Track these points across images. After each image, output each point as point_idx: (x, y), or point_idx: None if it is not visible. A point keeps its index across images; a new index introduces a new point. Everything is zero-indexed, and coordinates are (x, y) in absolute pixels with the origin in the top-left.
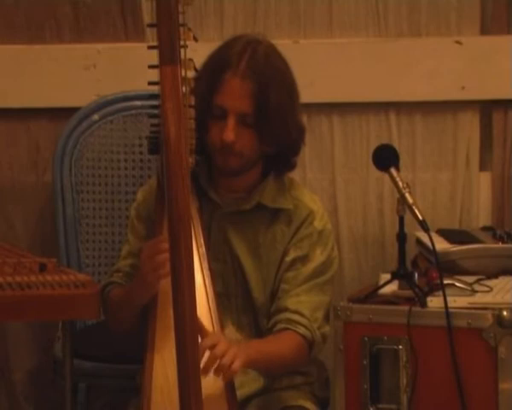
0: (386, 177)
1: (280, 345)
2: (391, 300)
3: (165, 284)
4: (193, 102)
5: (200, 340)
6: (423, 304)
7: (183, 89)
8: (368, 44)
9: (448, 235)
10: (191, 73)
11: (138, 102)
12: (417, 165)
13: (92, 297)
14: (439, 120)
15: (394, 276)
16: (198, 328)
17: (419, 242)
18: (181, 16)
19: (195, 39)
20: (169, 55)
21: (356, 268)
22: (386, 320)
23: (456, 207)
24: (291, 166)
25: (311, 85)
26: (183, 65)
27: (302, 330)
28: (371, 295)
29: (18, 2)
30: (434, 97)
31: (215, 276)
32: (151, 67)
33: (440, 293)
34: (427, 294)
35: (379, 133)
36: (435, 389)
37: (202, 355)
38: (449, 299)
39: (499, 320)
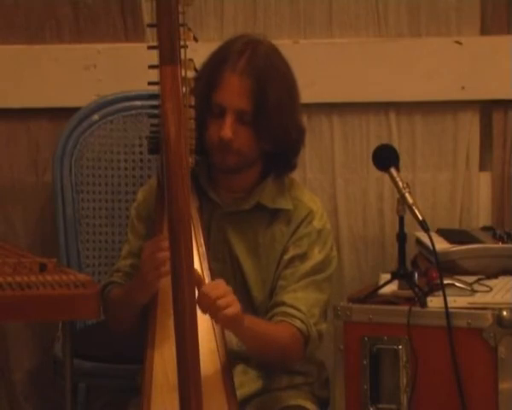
0: (386, 177)
1: (276, 330)
2: (391, 300)
3: (165, 284)
4: (193, 102)
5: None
6: (423, 304)
7: (183, 89)
8: (368, 44)
9: (448, 235)
10: (191, 73)
11: (138, 102)
12: (417, 165)
13: (92, 297)
14: (439, 120)
15: (394, 276)
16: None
17: (419, 242)
18: (181, 16)
19: (195, 39)
20: (169, 55)
21: (356, 268)
22: (386, 320)
23: (456, 207)
24: (291, 166)
25: (312, 85)
26: (183, 65)
27: (298, 323)
28: (371, 295)
29: (18, 2)
30: (434, 97)
31: (215, 276)
32: (151, 67)
33: (440, 293)
34: (427, 294)
35: (379, 133)
36: (435, 389)
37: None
38: (449, 299)
39: (499, 320)
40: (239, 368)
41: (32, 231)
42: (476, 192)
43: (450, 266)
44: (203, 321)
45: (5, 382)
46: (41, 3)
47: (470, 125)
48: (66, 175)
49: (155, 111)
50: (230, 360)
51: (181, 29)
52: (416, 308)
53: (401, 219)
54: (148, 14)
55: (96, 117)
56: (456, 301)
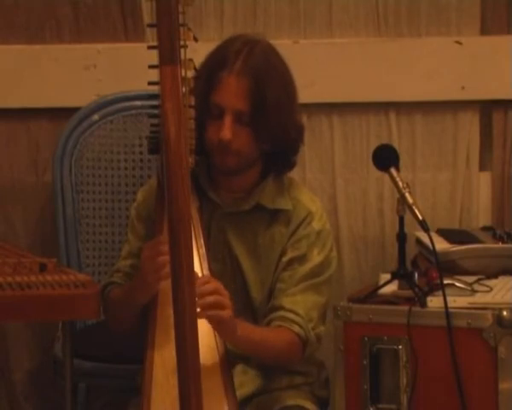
0: (386, 177)
1: (274, 335)
2: (391, 300)
3: (165, 285)
4: (193, 102)
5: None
6: (423, 304)
7: (183, 89)
8: (368, 44)
9: (448, 235)
10: (191, 73)
11: (138, 102)
12: (417, 165)
13: (92, 297)
14: (439, 120)
15: (394, 276)
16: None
17: (419, 242)
18: (181, 16)
19: (195, 39)
20: (169, 55)
21: (356, 268)
22: (386, 320)
23: (456, 207)
24: (290, 165)
25: (311, 85)
26: (183, 65)
27: (296, 328)
28: (371, 295)
29: (18, 2)
30: (434, 97)
31: (214, 276)
32: (151, 67)
33: (440, 293)
34: (427, 294)
35: (379, 133)
36: (435, 389)
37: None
38: (449, 299)
39: (499, 320)
40: (239, 368)
41: (32, 231)
42: (476, 192)
43: (450, 266)
44: (203, 321)
45: (5, 382)
46: (41, 3)
47: (470, 125)
48: (66, 175)
49: (155, 111)
50: (230, 359)
51: (181, 29)
52: (416, 308)
53: (401, 219)
54: (148, 14)
55: (95, 117)
56: (456, 301)
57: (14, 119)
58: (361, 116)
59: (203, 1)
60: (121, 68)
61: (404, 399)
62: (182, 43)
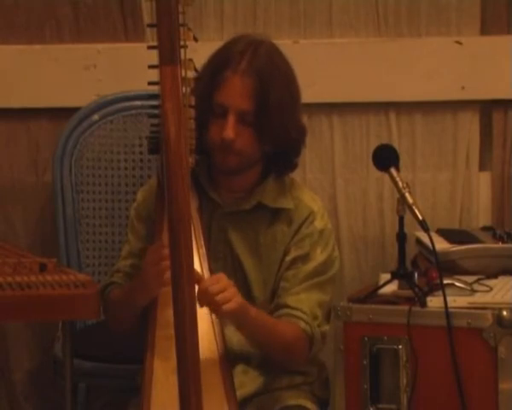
0: (386, 177)
1: (283, 326)
2: (391, 300)
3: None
4: (193, 102)
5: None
6: (423, 304)
7: (183, 89)
8: (368, 44)
9: (448, 235)
10: (191, 73)
11: (138, 102)
12: (417, 165)
13: (92, 297)
14: (439, 120)
15: (394, 276)
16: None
17: (419, 242)
18: (181, 16)
19: (195, 39)
20: (169, 55)
21: (356, 268)
22: (386, 320)
23: (455, 207)
24: (292, 166)
25: (312, 85)
26: (183, 65)
27: (302, 324)
28: (371, 295)
29: (18, 2)
30: (434, 97)
31: None
32: (151, 67)
33: (440, 293)
34: (426, 294)
35: (379, 133)
36: (435, 389)
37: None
38: (449, 299)
39: (499, 320)
40: (239, 368)
41: (32, 231)
42: (476, 192)
43: (450, 266)
44: (203, 321)
45: (5, 382)
46: (41, 3)
47: (470, 124)
48: (66, 175)
49: (155, 111)
50: (230, 360)
51: (181, 29)
52: (416, 308)
53: (401, 219)
54: (148, 14)
55: (95, 117)
56: (456, 301)
57: (14, 119)
58: (361, 116)
59: (203, 1)
60: (121, 68)
61: (404, 399)
62: (182, 43)
